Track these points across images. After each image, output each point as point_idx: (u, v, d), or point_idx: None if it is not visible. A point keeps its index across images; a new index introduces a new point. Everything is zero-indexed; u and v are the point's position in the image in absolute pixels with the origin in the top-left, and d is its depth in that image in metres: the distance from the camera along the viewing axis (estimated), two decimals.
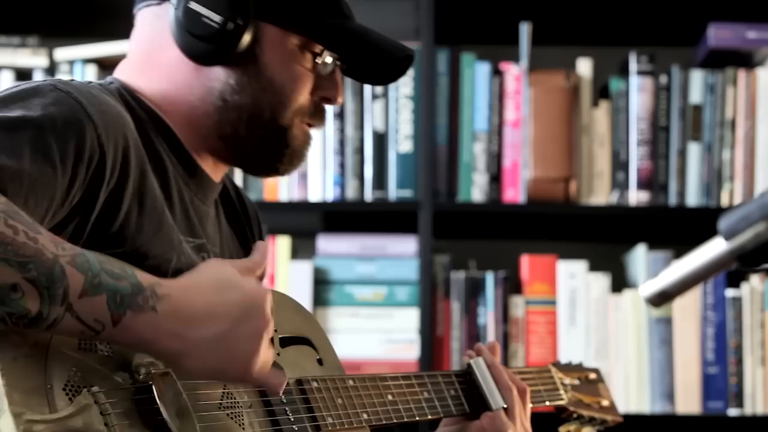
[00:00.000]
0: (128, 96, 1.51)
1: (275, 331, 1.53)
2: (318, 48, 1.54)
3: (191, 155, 1.54)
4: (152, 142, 1.48)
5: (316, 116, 1.58)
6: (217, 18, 1.47)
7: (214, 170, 1.60)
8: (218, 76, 1.51)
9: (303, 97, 1.54)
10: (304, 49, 1.53)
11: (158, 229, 1.44)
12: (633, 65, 2.97)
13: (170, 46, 1.51)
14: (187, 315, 1.27)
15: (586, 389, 1.94)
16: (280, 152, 1.56)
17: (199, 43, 1.48)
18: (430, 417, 1.67)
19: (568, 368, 1.95)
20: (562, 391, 1.88)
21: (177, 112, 1.53)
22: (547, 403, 1.85)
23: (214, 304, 1.30)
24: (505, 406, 1.71)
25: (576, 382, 1.93)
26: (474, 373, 1.73)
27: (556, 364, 1.94)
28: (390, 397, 1.62)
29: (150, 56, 1.54)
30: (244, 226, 1.73)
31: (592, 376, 1.97)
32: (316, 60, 1.54)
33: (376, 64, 1.59)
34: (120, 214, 1.38)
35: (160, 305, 1.26)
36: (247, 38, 1.49)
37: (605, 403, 1.95)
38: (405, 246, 2.96)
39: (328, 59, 1.55)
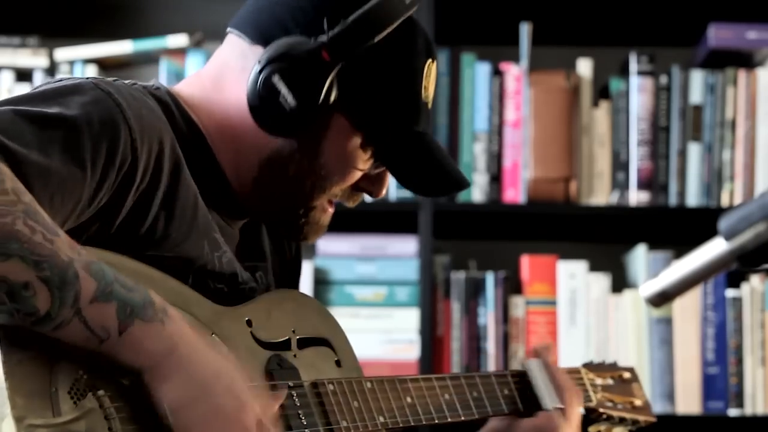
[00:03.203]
0: (173, 105, 1.49)
1: (293, 331, 1.53)
2: (380, 158, 1.54)
3: (224, 173, 1.53)
4: (191, 154, 1.46)
5: (349, 198, 1.58)
6: (292, 102, 1.45)
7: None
8: (275, 143, 1.50)
9: (343, 188, 1.55)
10: (366, 147, 1.52)
11: (186, 237, 1.43)
12: (633, 65, 2.97)
13: (241, 86, 1.49)
14: (186, 343, 1.27)
15: (618, 389, 1.93)
16: (296, 223, 1.56)
17: (268, 113, 1.46)
18: (450, 419, 1.65)
19: (601, 368, 1.94)
20: (591, 392, 1.88)
21: (222, 145, 1.52)
22: None
23: (214, 356, 1.30)
24: (562, 406, 1.71)
25: (609, 381, 1.92)
26: (529, 373, 1.74)
27: (588, 365, 1.94)
28: (408, 400, 1.60)
29: (219, 82, 1.53)
30: (283, 241, 1.72)
31: (627, 375, 1.97)
32: (372, 161, 1.54)
33: (428, 191, 1.61)
34: (147, 220, 1.38)
35: (167, 321, 1.26)
36: (314, 126, 1.48)
37: (638, 402, 1.94)
38: (405, 246, 2.96)
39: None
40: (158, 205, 1.39)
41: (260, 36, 1.49)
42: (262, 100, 1.46)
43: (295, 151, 1.50)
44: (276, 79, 1.45)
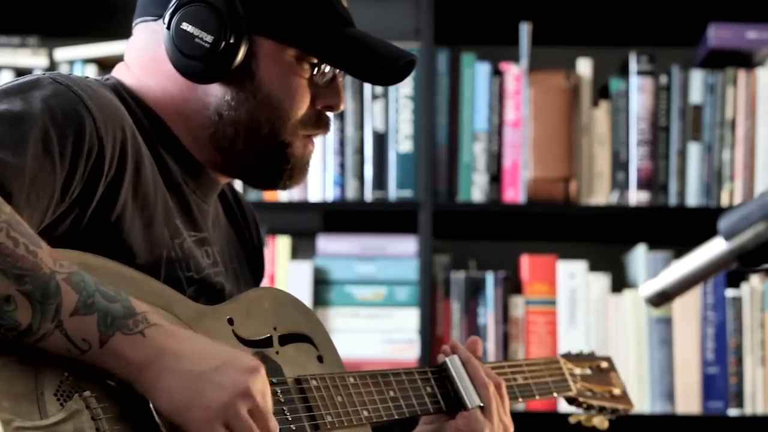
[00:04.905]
0: (125, 93, 1.51)
1: (274, 329, 1.53)
2: (315, 57, 1.53)
3: (189, 152, 1.54)
4: (150, 138, 1.48)
5: (319, 125, 1.57)
6: (208, 38, 1.47)
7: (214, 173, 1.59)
8: (214, 92, 1.51)
9: (302, 109, 1.53)
10: (302, 60, 1.52)
11: (149, 223, 1.44)
12: (633, 65, 2.97)
13: (166, 60, 1.50)
14: (172, 346, 1.27)
15: (597, 378, 1.94)
16: (279, 168, 1.55)
17: (193, 62, 1.48)
18: (420, 413, 1.64)
19: (579, 358, 1.94)
20: (570, 382, 1.87)
21: (174, 118, 1.53)
22: (555, 394, 1.84)
23: (200, 347, 1.30)
24: (482, 404, 1.66)
25: (587, 371, 1.93)
26: (449, 370, 1.68)
27: (566, 355, 1.93)
28: (391, 394, 1.60)
29: (146, 67, 1.54)
30: (243, 229, 1.73)
31: (604, 365, 1.97)
32: (315, 70, 1.53)
33: (376, 71, 1.57)
34: (116, 207, 1.39)
35: (149, 330, 1.26)
36: (241, 55, 1.48)
37: (617, 391, 1.95)
38: (405, 246, 2.96)
39: (328, 68, 1.54)
40: (126, 190, 1.40)
41: (158, 7, 1.51)
42: (182, 52, 1.48)
43: (238, 92, 1.51)
44: (185, 25, 1.47)
